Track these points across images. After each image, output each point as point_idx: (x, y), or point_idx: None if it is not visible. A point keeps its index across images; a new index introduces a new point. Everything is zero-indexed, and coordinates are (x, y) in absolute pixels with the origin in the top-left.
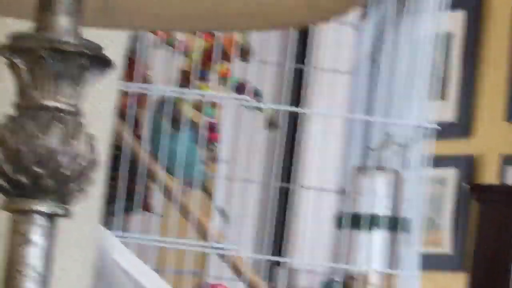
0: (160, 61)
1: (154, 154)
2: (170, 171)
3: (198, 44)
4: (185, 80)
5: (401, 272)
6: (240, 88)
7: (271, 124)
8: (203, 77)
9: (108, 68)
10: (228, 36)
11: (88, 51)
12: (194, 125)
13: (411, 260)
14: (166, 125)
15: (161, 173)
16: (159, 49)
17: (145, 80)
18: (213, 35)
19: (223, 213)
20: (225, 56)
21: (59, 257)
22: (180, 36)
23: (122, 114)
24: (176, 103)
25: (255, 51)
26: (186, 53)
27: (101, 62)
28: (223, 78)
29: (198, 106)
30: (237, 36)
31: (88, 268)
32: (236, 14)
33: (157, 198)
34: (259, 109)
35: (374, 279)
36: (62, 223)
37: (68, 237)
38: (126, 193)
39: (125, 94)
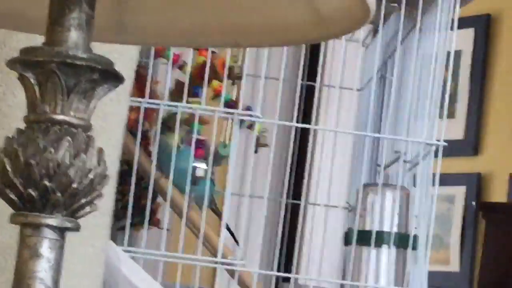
0: (166, 76)
1: (162, 169)
2: (178, 187)
3: (192, 59)
4: (178, 94)
5: None
6: (231, 106)
7: (259, 142)
8: (195, 92)
9: (118, 83)
10: (220, 57)
11: (99, 65)
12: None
13: (419, 277)
14: (173, 140)
15: (169, 188)
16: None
17: (155, 95)
18: (211, 52)
19: (231, 231)
20: (216, 75)
21: (69, 273)
22: (176, 50)
23: (131, 129)
24: (171, 117)
25: (245, 73)
26: (181, 67)
27: (112, 76)
28: (216, 95)
29: (187, 122)
30: (227, 58)
31: (98, 284)
32: (246, 31)
33: (165, 213)
34: (250, 127)
35: None
36: (72, 239)
37: (79, 253)
38: (135, 208)
39: (135, 109)
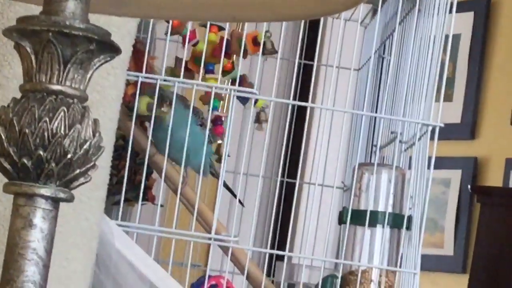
0: (167, 51)
1: (158, 142)
2: (175, 158)
3: (207, 36)
4: (187, 71)
5: (402, 270)
6: (239, 82)
7: (259, 118)
8: (209, 69)
9: (115, 54)
10: (250, 32)
11: (96, 36)
12: (197, 112)
13: (412, 257)
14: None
15: (164, 163)
16: (169, 39)
17: (152, 70)
18: (219, 29)
19: (229, 188)
20: (243, 52)
21: (64, 246)
22: (190, 27)
23: (128, 104)
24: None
25: (276, 48)
26: (195, 44)
27: (109, 48)
28: (226, 72)
29: (202, 98)
30: (257, 33)
31: (91, 258)
32: (245, 5)
33: (159, 189)
34: (255, 103)
35: (374, 275)
36: (67, 211)
37: (73, 226)
38: (130, 184)
39: (132, 84)
